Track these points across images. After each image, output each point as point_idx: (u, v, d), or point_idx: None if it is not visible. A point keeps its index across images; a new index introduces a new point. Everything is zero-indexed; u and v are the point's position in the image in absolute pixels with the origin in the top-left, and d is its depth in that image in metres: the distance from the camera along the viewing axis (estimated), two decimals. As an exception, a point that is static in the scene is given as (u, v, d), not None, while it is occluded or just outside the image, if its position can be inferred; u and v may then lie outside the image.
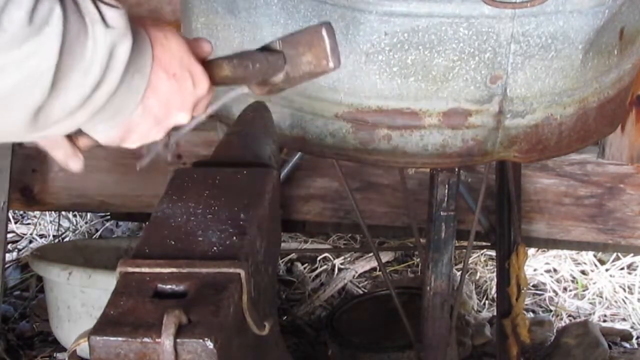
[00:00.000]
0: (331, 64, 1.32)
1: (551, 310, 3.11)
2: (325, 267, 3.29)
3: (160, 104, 1.23)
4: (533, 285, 3.20)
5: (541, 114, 1.87)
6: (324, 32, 1.32)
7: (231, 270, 1.30)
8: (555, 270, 3.29)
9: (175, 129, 1.33)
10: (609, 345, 2.88)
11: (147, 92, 1.20)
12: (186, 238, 1.39)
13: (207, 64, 1.29)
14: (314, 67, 1.33)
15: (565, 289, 3.22)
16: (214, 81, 1.30)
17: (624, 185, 2.78)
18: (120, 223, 3.50)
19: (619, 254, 3.26)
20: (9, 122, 1.10)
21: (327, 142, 1.89)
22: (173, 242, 1.38)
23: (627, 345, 2.96)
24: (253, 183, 1.52)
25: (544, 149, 1.92)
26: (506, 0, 1.71)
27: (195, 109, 1.29)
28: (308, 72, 1.33)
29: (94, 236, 3.43)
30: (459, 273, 2.83)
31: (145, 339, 1.20)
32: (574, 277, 3.25)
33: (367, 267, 3.27)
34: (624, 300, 3.14)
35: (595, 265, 3.28)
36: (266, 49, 1.34)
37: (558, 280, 3.25)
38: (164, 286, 1.29)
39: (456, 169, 1.99)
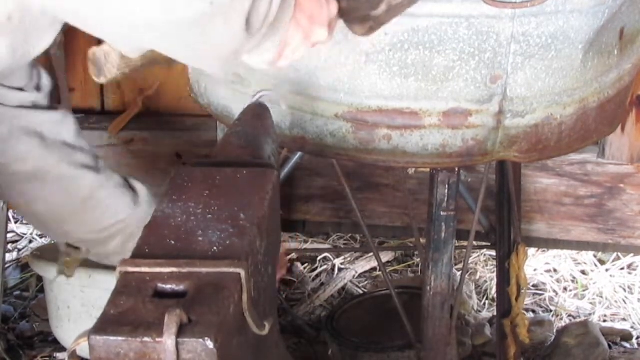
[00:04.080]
0: None
1: (551, 310, 3.11)
2: (325, 267, 3.29)
3: (306, 19, 1.44)
4: (533, 285, 3.21)
5: (541, 114, 1.87)
6: None
7: (231, 270, 1.30)
8: (555, 270, 3.29)
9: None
10: (609, 345, 2.88)
11: (296, 8, 1.41)
12: (186, 238, 1.39)
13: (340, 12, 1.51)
14: None
15: (565, 289, 3.22)
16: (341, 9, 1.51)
17: (624, 185, 2.78)
18: (120, 223, 3.49)
19: (619, 254, 3.26)
20: (232, 31, 1.31)
21: (327, 142, 1.89)
22: (173, 242, 1.38)
23: (627, 345, 2.96)
24: (253, 183, 1.52)
25: (544, 149, 1.92)
26: (506, 0, 1.71)
27: (330, 26, 1.49)
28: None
29: (94, 236, 3.43)
30: (459, 273, 2.83)
31: (146, 339, 1.20)
32: (574, 277, 3.25)
33: (367, 267, 3.27)
34: (624, 300, 3.14)
35: (595, 265, 3.28)
36: None
37: (558, 280, 3.25)
38: (164, 286, 1.29)
39: (456, 169, 1.99)
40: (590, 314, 3.08)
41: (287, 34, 1.43)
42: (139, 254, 1.36)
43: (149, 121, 2.91)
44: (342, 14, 1.52)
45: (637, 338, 2.99)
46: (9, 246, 3.33)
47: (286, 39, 1.44)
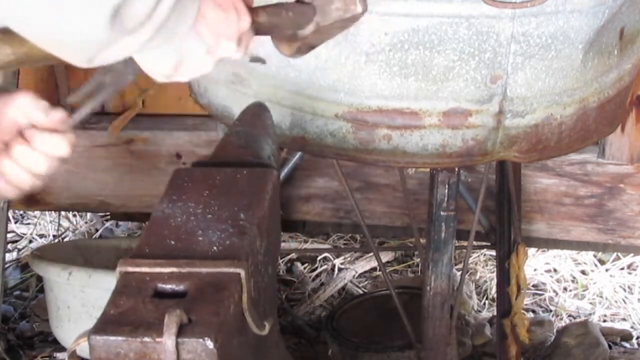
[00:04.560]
0: (359, 8, 1.40)
1: (551, 310, 3.11)
2: (325, 267, 3.29)
3: (209, 31, 1.30)
4: (533, 285, 3.20)
5: (541, 113, 1.87)
6: None
7: (231, 270, 1.30)
8: (555, 270, 3.29)
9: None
10: (609, 345, 2.88)
11: (197, 18, 1.27)
12: (186, 238, 1.39)
13: (254, 27, 1.38)
14: (343, 12, 1.39)
15: (565, 289, 3.22)
16: (257, 25, 1.38)
17: (624, 185, 2.78)
18: (120, 223, 3.50)
19: (619, 254, 3.26)
20: (91, 19, 1.15)
21: (327, 142, 1.89)
22: (173, 242, 1.38)
23: (627, 345, 2.96)
24: (253, 183, 1.52)
25: (544, 149, 1.92)
26: (506, 0, 1.71)
27: (240, 42, 1.36)
28: (338, 19, 1.39)
29: (94, 236, 3.43)
30: (459, 273, 2.82)
31: (146, 339, 1.20)
32: (574, 277, 3.25)
33: (367, 267, 3.27)
34: (624, 300, 3.14)
35: (595, 265, 3.28)
36: (298, 1, 1.42)
37: (558, 280, 3.25)
38: (164, 286, 1.29)
39: (456, 169, 1.99)
40: (590, 314, 3.08)
41: (184, 45, 1.29)
42: (139, 254, 1.36)
43: (149, 121, 2.91)
44: (264, 30, 1.40)
45: (637, 338, 2.99)
46: (9, 246, 3.33)
47: (183, 51, 1.30)
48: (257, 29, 1.38)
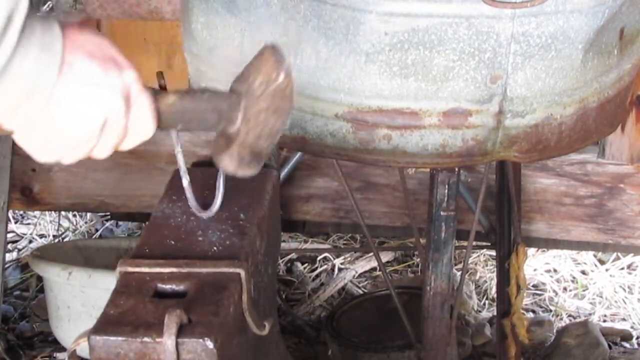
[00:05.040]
0: (282, 76, 1.28)
1: (551, 310, 3.11)
2: (325, 267, 3.29)
3: (81, 85, 1.11)
4: (533, 285, 3.20)
5: (541, 113, 1.87)
6: (267, 52, 1.28)
7: (231, 270, 1.30)
8: (555, 270, 3.29)
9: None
10: (609, 345, 2.88)
11: (63, 68, 1.10)
12: (186, 238, 1.39)
13: (153, 95, 1.21)
14: (266, 85, 1.27)
15: (565, 289, 3.22)
16: (162, 114, 1.21)
17: (624, 185, 2.78)
18: (120, 223, 3.50)
19: (619, 254, 3.26)
20: None
21: (327, 142, 1.89)
22: (173, 242, 1.38)
23: (627, 345, 2.96)
24: (253, 183, 1.52)
25: (544, 149, 1.92)
26: (506, 0, 1.71)
27: (128, 101, 1.16)
28: (263, 94, 1.27)
29: (94, 236, 3.43)
30: (459, 273, 2.82)
31: (146, 339, 1.20)
32: (574, 277, 3.25)
33: (367, 267, 3.27)
34: (624, 300, 3.14)
35: (595, 265, 3.28)
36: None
37: (558, 280, 3.25)
38: (164, 286, 1.29)
39: (456, 169, 1.99)
40: (590, 314, 3.08)
41: (49, 102, 1.09)
42: (139, 254, 1.36)
43: (149, 121, 2.91)
44: (176, 114, 1.22)
45: (637, 338, 2.99)
46: (9, 246, 3.33)
47: (51, 112, 1.10)
48: (166, 113, 1.22)
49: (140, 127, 1.18)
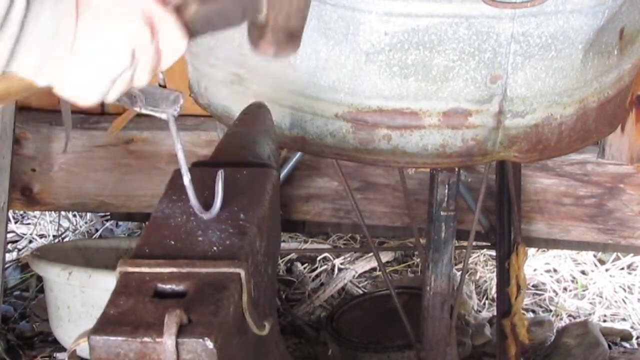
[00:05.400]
0: None
1: (551, 310, 3.11)
2: (325, 267, 3.29)
3: (102, 22, 1.11)
4: (533, 285, 3.20)
5: (541, 114, 1.87)
6: None
7: (231, 270, 1.30)
8: (555, 270, 3.29)
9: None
10: (609, 345, 2.88)
11: (80, 9, 1.10)
12: (186, 238, 1.39)
13: (175, 10, 1.19)
14: None
15: (565, 289, 3.22)
16: (189, 25, 1.19)
17: (624, 185, 2.78)
18: (120, 223, 3.50)
19: (619, 254, 3.26)
20: None
21: (327, 142, 1.89)
22: (173, 242, 1.38)
23: (627, 345, 2.96)
24: (253, 183, 1.52)
25: (544, 149, 1.93)
26: (506, 0, 1.71)
27: (152, 25, 1.15)
28: None
29: (94, 236, 3.43)
30: (459, 273, 2.82)
31: (146, 339, 1.20)
32: (574, 277, 3.25)
33: (367, 267, 3.27)
34: (624, 300, 3.14)
35: (595, 265, 3.28)
36: None
37: (558, 280, 3.25)
38: (164, 286, 1.29)
39: (456, 169, 1.99)
40: (590, 314, 3.08)
41: (68, 42, 1.09)
42: (139, 254, 1.36)
43: (148, 121, 2.91)
44: (202, 22, 1.19)
45: (637, 338, 2.99)
46: (9, 246, 3.33)
47: (68, 52, 1.10)
48: (192, 22, 1.19)
49: (171, 46, 1.19)
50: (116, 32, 1.13)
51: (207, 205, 1.45)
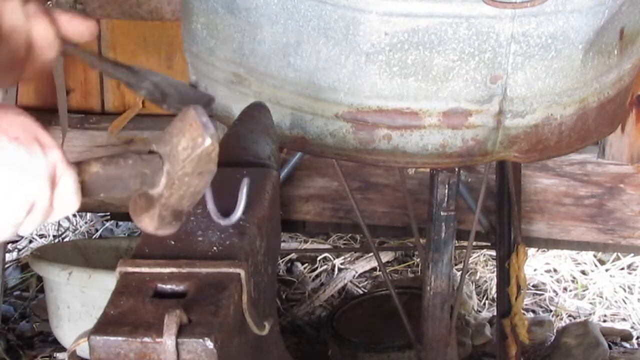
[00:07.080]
0: (207, 139, 1.21)
1: (551, 310, 3.11)
2: (325, 267, 3.29)
3: (7, 172, 1.10)
4: (533, 285, 3.20)
5: (541, 114, 1.87)
6: (191, 115, 1.22)
7: (231, 270, 1.30)
8: (555, 270, 3.29)
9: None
10: (609, 345, 2.88)
11: None
12: (186, 238, 1.39)
13: (74, 165, 1.18)
14: (191, 150, 1.21)
15: (565, 289, 3.22)
16: (85, 186, 1.19)
17: (624, 185, 2.78)
18: (120, 223, 3.50)
19: (619, 254, 3.26)
20: None
21: (327, 142, 1.89)
22: (173, 242, 1.38)
23: (627, 345, 2.96)
24: (253, 183, 1.52)
25: (544, 149, 1.92)
26: (506, 0, 1.71)
27: (54, 181, 1.14)
28: (188, 158, 1.22)
29: (94, 236, 3.43)
30: (459, 273, 2.83)
31: (146, 339, 1.20)
32: (574, 277, 3.25)
33: (367, 267, 3.27)
34: (624, 300, 3.14)
35: (595, 265, 3.28)
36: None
37: (558, 280, 3.25)
38: (164, 286, 1.29)
39: (456, 169, 1.99)
40: (590, 314, 3.08)
41: None
42: (139, 254, 1.35)
43: (149, 121, 2.91)
44: (100, 183, 1.19)
45: (637, 338, 2.99)
46: (9, 246, 3.33)
47: None
48: (90, 183, 1.19)
49: (64, 203, 1.17)
50: (20, 186, 1.11)
51: (206, 205, 1.45)
